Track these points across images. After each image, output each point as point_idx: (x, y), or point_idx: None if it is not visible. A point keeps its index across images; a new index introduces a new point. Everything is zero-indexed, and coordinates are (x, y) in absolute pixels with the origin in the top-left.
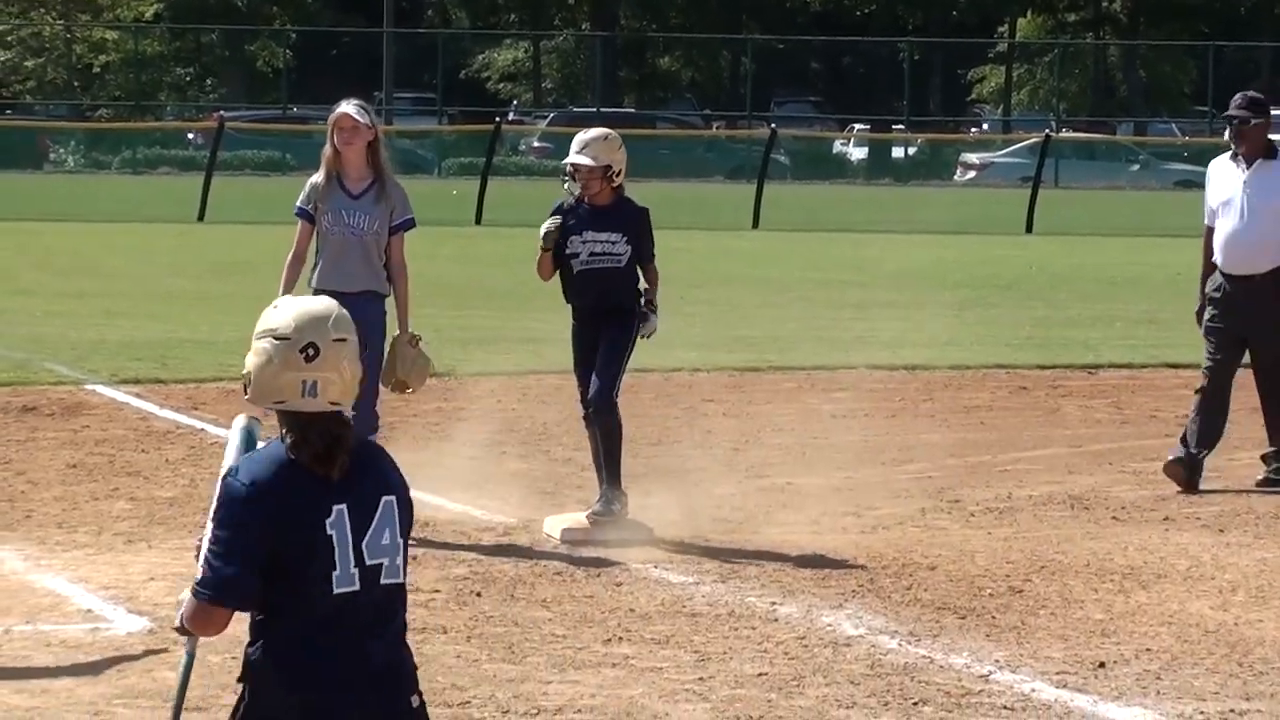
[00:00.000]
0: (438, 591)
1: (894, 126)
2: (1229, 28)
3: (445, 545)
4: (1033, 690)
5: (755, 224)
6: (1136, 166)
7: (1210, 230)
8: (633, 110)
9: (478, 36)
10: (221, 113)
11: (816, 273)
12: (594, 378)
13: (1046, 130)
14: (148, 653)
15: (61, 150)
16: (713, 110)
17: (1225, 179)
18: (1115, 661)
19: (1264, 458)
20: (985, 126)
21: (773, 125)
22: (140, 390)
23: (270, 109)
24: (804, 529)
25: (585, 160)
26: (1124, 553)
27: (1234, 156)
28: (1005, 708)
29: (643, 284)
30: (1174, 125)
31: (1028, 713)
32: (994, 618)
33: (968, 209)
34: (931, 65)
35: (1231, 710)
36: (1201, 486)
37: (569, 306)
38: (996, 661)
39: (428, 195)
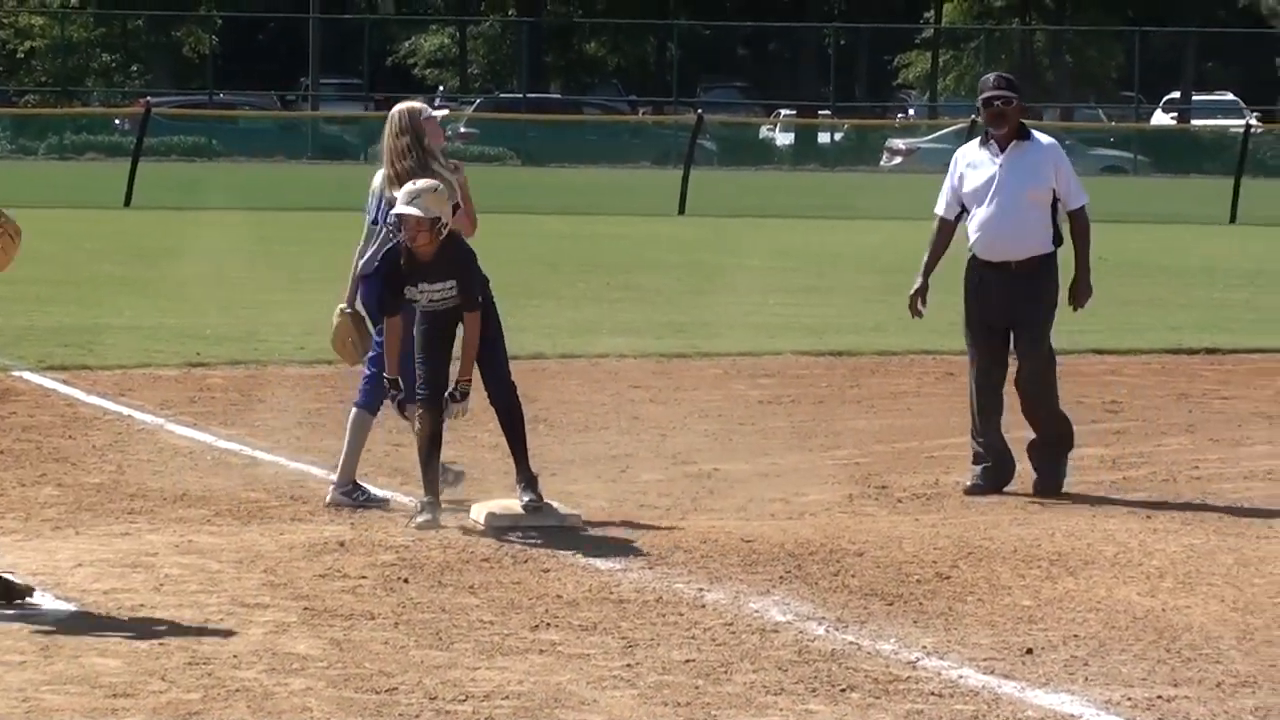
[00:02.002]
0: (364, 578)
1: (820, 112)
2: (1155, 13)
3: (371, 531)
4: (960, 676)
5: (682, 210)
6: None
7: (945, 220)
8: (559, 96)
9: (404, 22)
10: (148, 98)
11: (743, 258)
12: (491, 377)
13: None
14: (75, 639)
15: None
16: (639, 96)
17: (976, 166)
18: (1043, 648)
19: (1027, 449)
20: (911, 112)
21: (699, 111)
22: (67, 376)
23: (197, 94)
24: (731, 515)
25: (414, 211)
26: (1051, 539)
27: (984, 142)
28: (933, 694)
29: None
30: (1100, 111)
31: (955, 699)
32: (921, 604)
33: (894, 195)
34: (858, 51)
35: (1159, 696)
36: (1127, 473)
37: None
38: (924, 648)
39: (355, 181)
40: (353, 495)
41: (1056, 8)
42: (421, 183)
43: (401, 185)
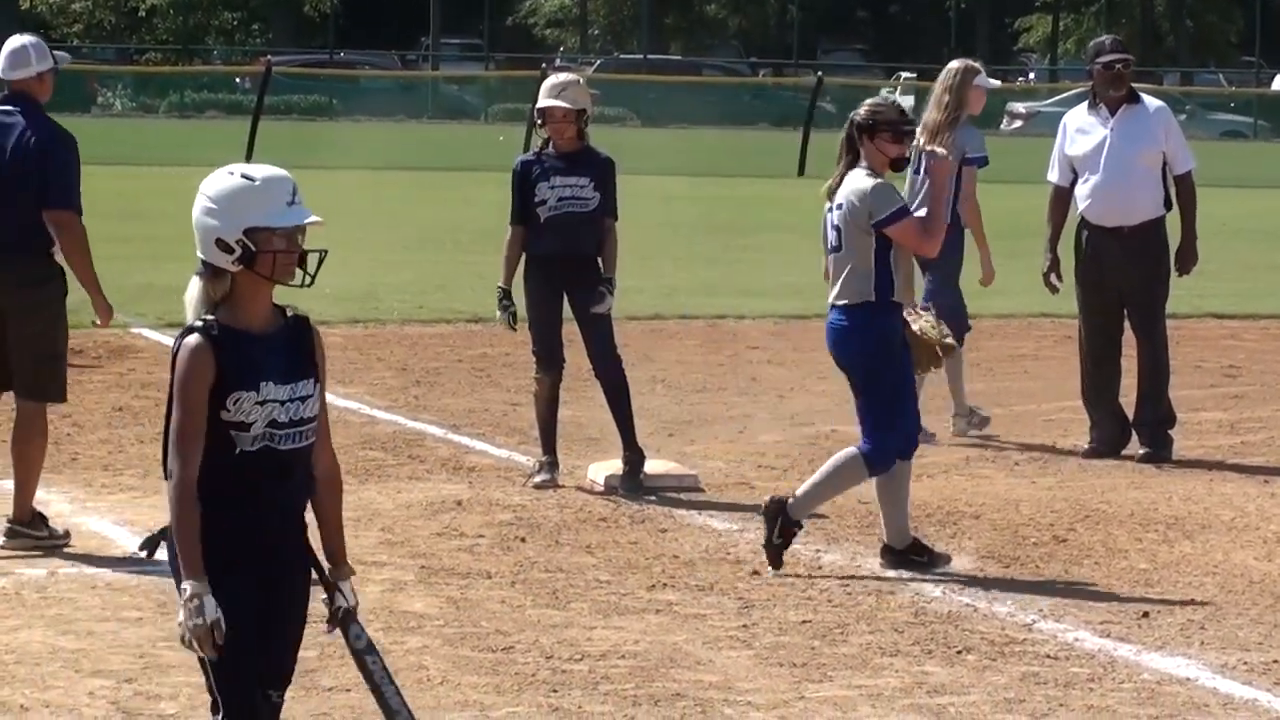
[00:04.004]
0: (481, 537)
1: None
2: None
3: (489, 490)
4: (1076, 639)
5: (801, 171)
6: (1183, 116)
7: (1060, 188)
8: (679, 57)
9: None
10: (269, 57)
11: None
12: (596, 355)
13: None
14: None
15: (109, 93)
16: (759, 58)
17: (1086, 130)
18: (1159, 611)
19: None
20: (1032, 76)
21: (819, 73)
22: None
23: (317, 53)
24: None
25: (560, 104)
26: (1168, 503)
27: (1093, 106)
28: (1049, 656)
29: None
30: (1220, 75)
31: (1071, 662)
32: (1038, 566)
33: (1014, 158)
34: (978, 13)
35: (1275, 661)
36: (1245, 438)
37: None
38: (1040, 610)
39: (474, 140)
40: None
41: None
42: (564, 76)
43: (932, 138)
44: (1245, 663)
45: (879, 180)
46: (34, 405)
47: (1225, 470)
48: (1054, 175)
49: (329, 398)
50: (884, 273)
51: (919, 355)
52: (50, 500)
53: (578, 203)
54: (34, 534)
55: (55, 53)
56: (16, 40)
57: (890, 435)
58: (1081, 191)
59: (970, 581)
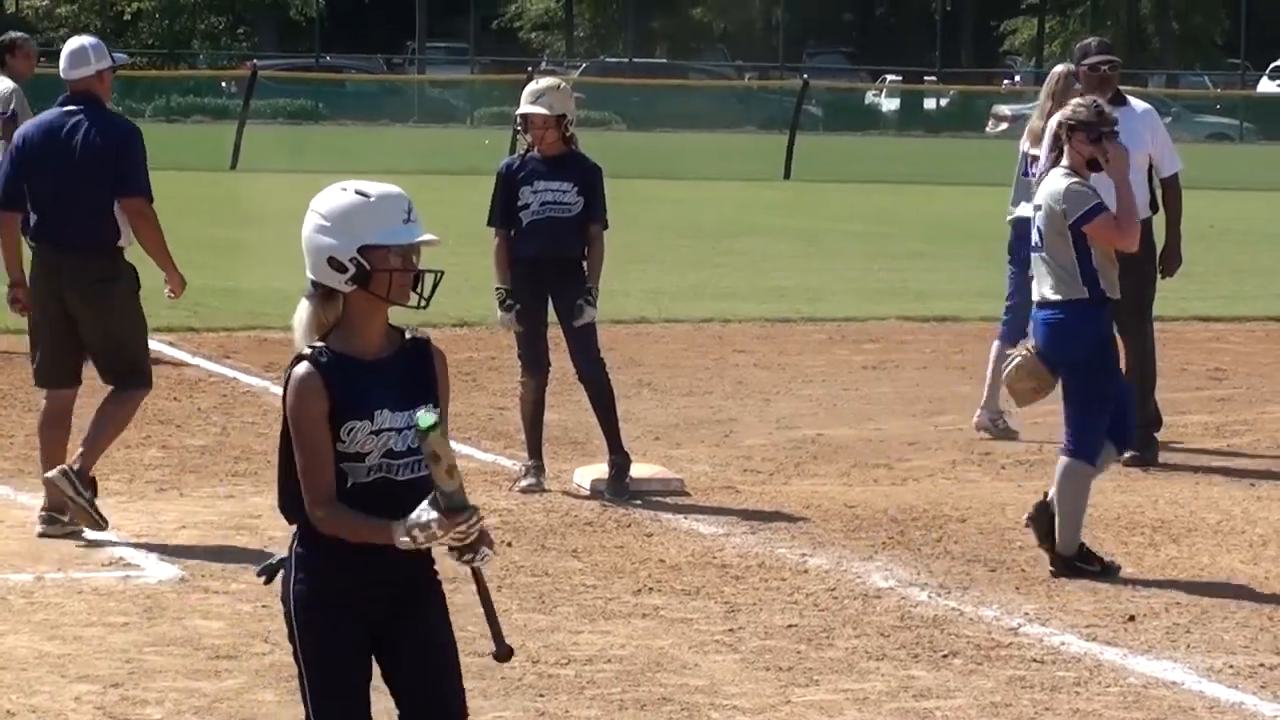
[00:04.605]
0: None
1: (926, 78)
2: None
3: (475, 495)
4: (1062, 643)
5: (787, 175)
6: (1169, 119)
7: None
8: (665, 61)
9: None
10: (254, 61)
11: (848, 224)
12: (579, 360)
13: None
14: (179, 600)
15: None
16: (745, 61)
17: None
18: (1145, 615)
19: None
20: (1017, 78)
21: (805, 76)
22: (172, 339)
23: (303, 58)
24: (834, 481)
25: (540, 110)
26: (1154, 506)
27: None
28: (1035, 660)
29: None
30: (1206, 77)
31: (1057, 665)
32: (1024, 570)
33: (999, 161)
34: (964, 16)
35: (1261, 664)
36: (1231, 440)
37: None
38: (1026, 614)
39: (460, 144)
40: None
41: None
42: (545, 81)
43: (1035, 143)
44: (1231, 666)
45: (1073, 180)
46: (123, 392)
47: (1211, 473)
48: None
49: None
50: (1088, 270)
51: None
52: (36, 506)
53: (559, 207)
54: (79, 490)
55: (114, 53)
56: (76, 41)
57: (1097, 429)
58: None
59: (956, 585)
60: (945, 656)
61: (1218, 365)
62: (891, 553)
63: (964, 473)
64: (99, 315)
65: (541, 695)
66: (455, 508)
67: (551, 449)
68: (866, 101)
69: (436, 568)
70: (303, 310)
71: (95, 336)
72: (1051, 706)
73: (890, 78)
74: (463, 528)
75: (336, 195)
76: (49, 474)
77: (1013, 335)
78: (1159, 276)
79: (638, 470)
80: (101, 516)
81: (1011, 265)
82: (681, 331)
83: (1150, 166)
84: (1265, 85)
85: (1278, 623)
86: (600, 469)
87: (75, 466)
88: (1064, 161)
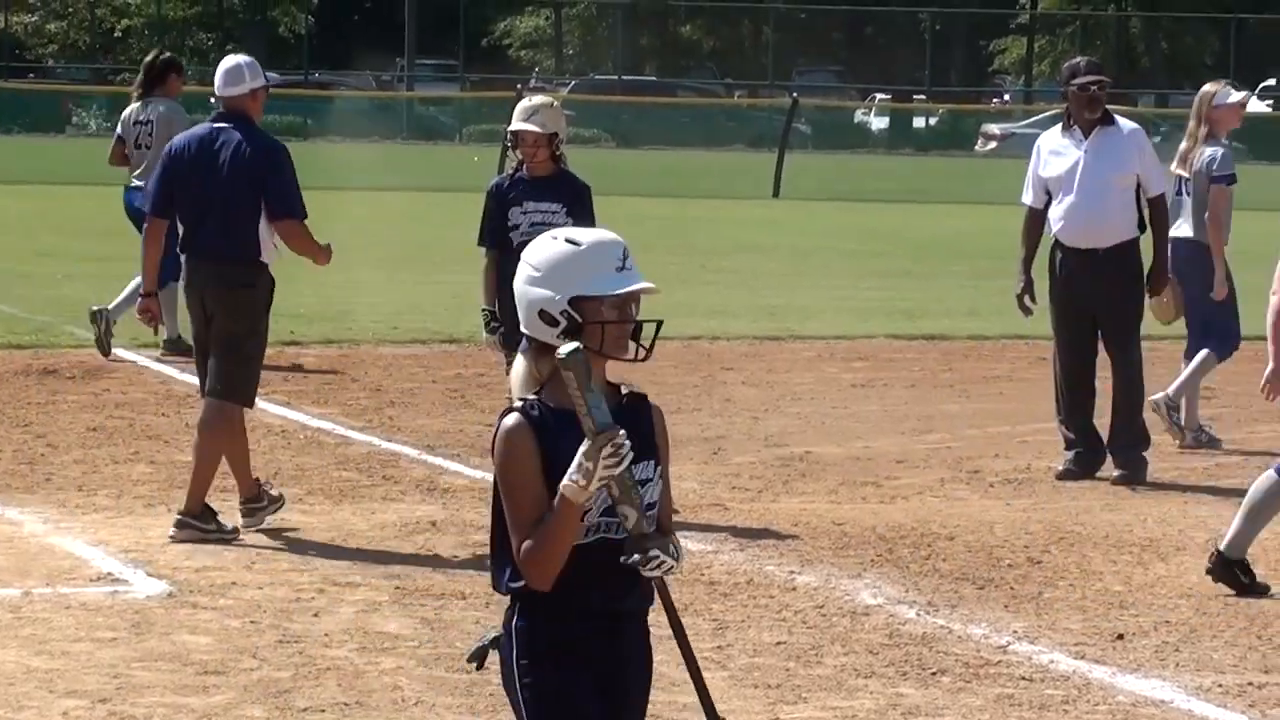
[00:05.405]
0: (456, 557)
1: (915, 97)
2: (1251, 0)
3: (463, 511)
4: (1051, 661)
5: (776, 193)
6: (1158, 138)
7: (1034, 210)
8: (654, 78)
9: (500, 3)
10: None
11: (837, 242)
12: None
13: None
14: (167, 616)
15: (84, 114)
16: (734, 79)
17: (1060, 152)
18: (1134, 633)
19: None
20: (1007, 97)
21: (794, 94)
22: (161, 354)
23: (292, 74)
24: (823, 498)
25: (532, 128)
26: (1143, 525)
27: (1067, 128)
28: (1023, 678)
29: None
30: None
31: (1046, 684)
32: (1012, 588)
33: (988, 180)
34: (953, 35)
35: (1250, 683)
36: (1219, 459)
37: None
38: (1015, 632)
39: (449, 161)
40: None
41: None
42: (538, 99)
43: (1183, 164)
44: (1220, 685)
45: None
46: (219, 402)
47: (1200, 492)
48: (1028, 197)
49: (303, 419)
50: None
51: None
52: (24, 521)
53: (548, 228)
54: (202, 527)
55: (266, 74)
56: (231, 60)
57: None
58: (1055, 213)
59: (945, 603)
60: (934, 674)
61: (1206, 385)
62: (880, 570)
63: (952, 491)
64: (228, 316)
65: None
66: (601, 428)
67: None
68: (856, 120)
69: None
70: (517, 366)
71: (215, 334)
72: None
73: (880, 96)
74: (609, 449)
75: (547, 245)
76: (172, 533)
77: (1221, 350)
78: (1147, 296)
79: None
80: (233, 529)
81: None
82: (670, 349)
83: (1138, 186)
84: (1254, 105)
85: (1266, 641)
86: None
87: (183, 510)
88: None
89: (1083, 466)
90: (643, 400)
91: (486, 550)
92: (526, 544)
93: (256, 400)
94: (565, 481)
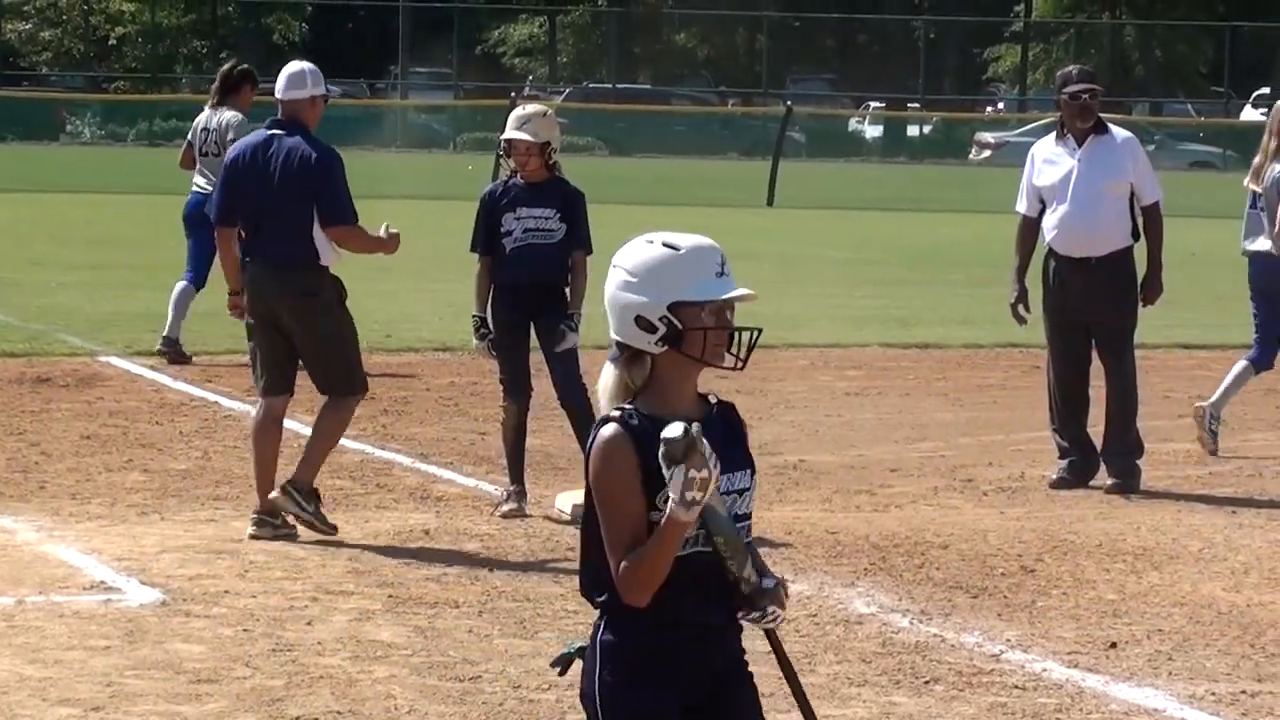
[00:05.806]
0: (449, 566)
1: (909, 105)
2: (1245, 8)
3: (456, 520)
4: (1044, 670)
5: (770, 201)
6: (1152, 147)
7: (1027, 219)
8: (648, 86)
9: (494, 11)
10: None
11: (831, 250)
12: (561, 384)
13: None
14: (160, 624)
15: (78, 121)
16: (728, 87)
17: (1054, 161)
18: (1127, 642)
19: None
20: (1000, 105)
21: (788, 102)
22: (155, 362)
23: None
24: (816, 506)
25: (524, 136)
26: (1136, 533)
27: (1060, 136)
28: (1016, 687)
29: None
30: (1189, 106)
31: (1039, 692)
32: (1006, 597)
33: (982, 188)
34: (947, 44)
35: (1243, 692)
36: (1213, 468)
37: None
38: (1008, 641)
39: (443, 169)
40: None
41: (1147, 2)
42: (531, 108)
43: (1255, 178)
44: (1213, 693)
45: None
46: (338, 399)
47: (1193, 501)
48: (1022, 206)
49: (297, 427)
50: None
51: None
52: (17, 529)
53: (542, 234)
54: (303, 505)
55: (328, 85)
56: (295, 65)
57: None
58: (1049, 222)
59: (938, 611)
60: (927, 683)
61: (1200, 393)
62: (873, 579)
63: (946, 499)
64: (308, 328)
65: None
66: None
67: (533, 474)
68: (850, 128)
69: (747, 657)
70: (607, 374)
71: (307, 348)
72: None
73: (873, 104)
74: (705, 472)
75: (643, 249)
76: (273, 495)
77: (1261, 360)
78: (1141, 304)
79: None
80: (330, 525)
81: (1251, 296)
82: None
83: (1132, 195)
84: (1248, 114)
85: (1259, 650)
86: (582, 494)
87: (294, 480)
88: None
89: (1076, 475)
90: (732, 409)
91: (479, 558)
92: (625, 563)
93: (251, 409)
94: (675, 509)
